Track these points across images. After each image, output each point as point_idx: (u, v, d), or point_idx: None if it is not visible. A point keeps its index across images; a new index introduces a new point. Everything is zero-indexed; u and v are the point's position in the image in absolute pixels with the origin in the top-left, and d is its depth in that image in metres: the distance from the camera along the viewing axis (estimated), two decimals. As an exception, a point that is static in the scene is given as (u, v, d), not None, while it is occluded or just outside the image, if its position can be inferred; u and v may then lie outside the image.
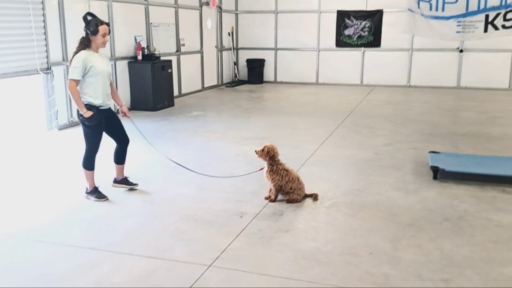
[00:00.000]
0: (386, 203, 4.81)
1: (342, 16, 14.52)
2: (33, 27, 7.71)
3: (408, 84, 14.30)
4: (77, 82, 4.62)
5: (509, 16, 12.96)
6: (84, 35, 4.77)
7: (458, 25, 13.43)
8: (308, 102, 11.85)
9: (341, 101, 11.63)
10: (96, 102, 4.74)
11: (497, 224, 4.28)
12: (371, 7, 14.24)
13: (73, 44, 8.51)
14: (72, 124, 8.62)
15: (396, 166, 6.08)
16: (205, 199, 4.92)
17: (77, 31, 8.68)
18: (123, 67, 10.09)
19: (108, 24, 4.81)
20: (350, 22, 14.49)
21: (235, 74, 15.51)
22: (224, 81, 15.07)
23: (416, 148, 6.99)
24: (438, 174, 5.52)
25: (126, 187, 5.25)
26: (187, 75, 12.73)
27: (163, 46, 11.36)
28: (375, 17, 14.25)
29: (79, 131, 8.30)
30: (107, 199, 4.94)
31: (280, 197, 4.84)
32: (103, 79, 4.77)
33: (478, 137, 7.68)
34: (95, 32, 4.68)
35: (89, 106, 4.70)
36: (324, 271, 3.46)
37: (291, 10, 14.98)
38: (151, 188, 5.32)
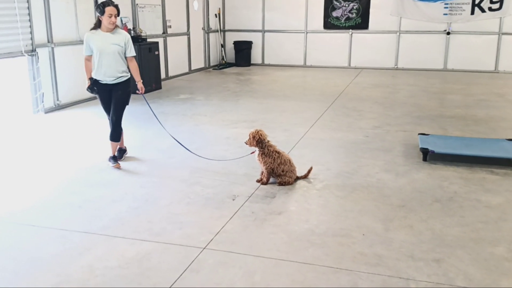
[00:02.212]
0: (377, 185, 4.85)
1: (330, -2, 14.44)
2: (17, 8, 7.52)
3: (395, 67, 14.33)
4: (86, 57, 5.29)
5: (495, -2, 13.04)
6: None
7: (445, 7, 13.49)
8: (296, 84, 11.82)
9: (329, 84, 11.63)
10: (96, 76, 5.29)
11: (486, 205, 4.34)
12: (359, -11, 14.18)
13: (58, 25, 8.41)
14: (58, 107, 8.49)
15: (385, 148, 6.12)
16: (197, 182, 4.90)
17: (62, 12, 8.54)
18: (109, 49, 9.92)
19: (116, 6, 5.14)
20: (338, 3, 14.41)
21: (222, 57, 15.38)
22: (211, 64, 14.95)
23: (405, 130, 7.04)
24: (427, 156, 5.57)
25: (110, 164, 5.48)
26: (174, 58, 12.59)
27: (149, 27, 11.20)
28: (363, -1, 14.19)
29: (65, 114, 8.23)
30: (116, 165, 5.37)
31: (272, 180, 4.85)
32: (105, 56, 5.19)
33: (465, 119, 7.75)
34: (102, 13, 5.07)
35: (93, 80, 5.30)
36: (318, 252, 3.48)
37: (279, -8, 14.84)
38: (142, 171, 5.28)
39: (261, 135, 4.75)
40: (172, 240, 3.66)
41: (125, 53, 5.31)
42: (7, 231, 3.87)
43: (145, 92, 10.41)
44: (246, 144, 4.85)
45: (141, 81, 5.54)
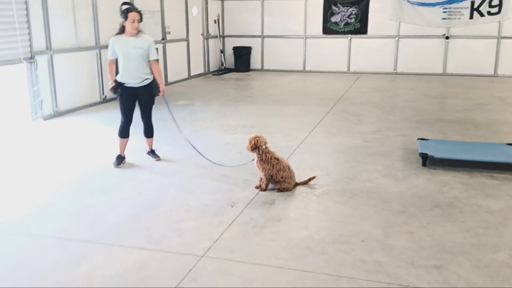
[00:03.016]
0: (377, 190, 4.82)
1: (329, 3, 14.46)
2: (16, 15, 7.53)
3: (395, 71, 14.34)
4: (110, 61, 5.48)
5: (494, 2, 13.07)
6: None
7: (444, 12, 13.51)
8: (296, 89, 11.82)
9: (329, 89, 11.62)
10: (122, 80, 5.47)
11: (487, 210, 4.32)
12: (357, -6, 14.22)
13: (57, 32, 8.41)
14: (57, 114, 8.48)
15: (385, 153, 6.10)
16: (196, 189, 4.88)
17: (60, 19, 8.54)
18: (108, 55, 9.92)
19: (139, 12, 5.34)
20: (337, 9, 14.43)
21: (222, 62, 15.39)
22: (211, 69, 14.96)
23: (405, 135, 7.02)
24: (427, 160, 5.55)
25: (152, 158, 5.85)
26: (173, 63, 12.59)
27: (148, 34, 11.16)
28: (362, 3, 14.21)
29: (64, 121, 8.21)
30: (116, 166, 5.54)
31: (271, 186, 4.83)
32: (130, 60, 5.41)
33: (465, 124, 7.74)
34: (125, 18, 5.29)
35: (117, 82, 5.48)
36: (317, 259, 3.46)
37: (278, -3, 14.88)
38: (141, 178, 5.26)
39: (257, 141, 4.72)
40: (171, 248, 3.64)
41: (148, 57, 5.52)
42: (6, 240, 3.85)
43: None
44: (248, 150, 4.83)
45: (164, 83, 5.77)
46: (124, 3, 5.46)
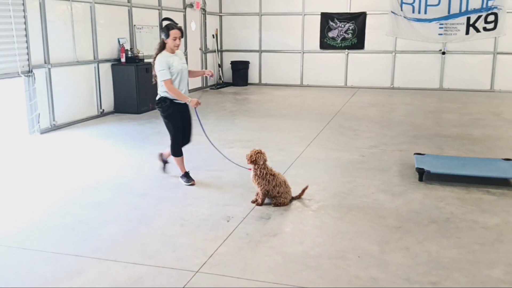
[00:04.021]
0: (373, 205, 4.81)
1: (326, 18, 14.58)
2: (14, 29, 7.56)
3: (391, 86, 14.40)
4: (170, 81, 5.15)
5: (490, 18, 13.19)
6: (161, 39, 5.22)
7: (440, 27, 13.63)
8: (293, 104, 11.86)
9: (326, 103, 11.66)
10: (170, 96, 5.22)
11: (483, 226, 4.31)
12: (354, 9, 14.32)
13: (55, 46, 8.44)
14: (54, 128, 8.48)
15: (382, 168, 6.09)
16: (191, 203, 4.86)
17: (59, 33, 8.59)
18: (106, 69, 9.96)
19: (180, 29, 5.17)
20: (334, 24, 14.54)
21: (220, 76, 15.45)
22: (209, 83, 15.00)
23: (401, 150, 7.03)
24: (423, 176, 5.55)
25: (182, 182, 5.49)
26: (171, 78, 12.61)
27: (147, 48, 11.24)
28: (358, 19, 14.33)
29: (61, 134, 8.20)
30: (194, 183, 5.39)
31: (267, 200, 4.81)
32: (180, 77, 5.24)
33: (461, 139, 7.75)
34: (167, 36, 5.11)
35: (163, 98, 5.25)
36: (313, 275, 3.43)
37: (276, 12, 14.98)
38: (136, 192, 5.24)
39: (257, 157, 4.72)
40: (165, 263, 3.61)
41: None
42: (-2, 254, 3.82)
43: (143, 112, 10.45)
44: (246, 159, 4.82)
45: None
46: (165, 19, 5.31)
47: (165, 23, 5.20)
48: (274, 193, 4.71)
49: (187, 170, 5.48)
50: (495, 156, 6.52)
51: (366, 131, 8.32)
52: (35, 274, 3.48)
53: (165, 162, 5.80)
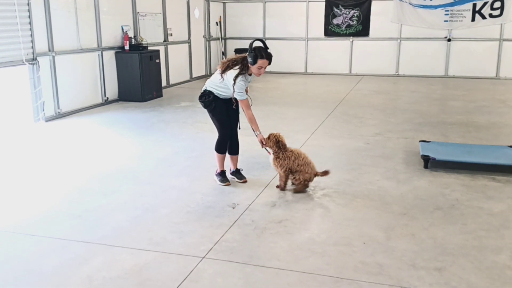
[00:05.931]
0: (378, 192, 4.82)
1: (331, 5, 14.47)
2: (18, 17, 7.54)
3: (396, 73, 14.33)
4: (247, 101, 4.85)
5: (496, 5, 13.05)
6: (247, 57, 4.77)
7: (446, 14, 13.50)
8: (297, 92, 11.82)
9: (330, 91, 11.62)
10: (215, 91, 4.90)
11: (488, 212, 4.31)
12: (359, -4, 14.22)
13: (59, 34, 8.43)
14: (59, 116, 8.49)
15: (387, 155, 6.09)
16: (197, 191, 4.88)
17: (62, 20, 8.56)
18: (110, 57, 9.95)
19: (269, 59, 4.75)
20: (338, 11, 14.44)
21: (224, 64, 15.38)
22: (213, 71, 14.92)
23: (406, 137, 7.01)
24: (429, 163, 5.54)
25: (235, 180, 5.16)
26: (175, 65, 12.60)
27: (150, 35, 11.23)
28: (363, 6, 14.22)
29: (66, 122, 8.22)
30: (229, 184, 5.03)
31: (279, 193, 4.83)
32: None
33: (467, 126, 7.73)
34: (253, 63, 4.70)
35: (207, 92, 4.91)
36: (319, 261, 3.45)
37: (279, -1, 14.89)
38: (142, 180, 5.26)
39: (283, 139, 4.84)
40: (171, 250, 3.63)
41: None
42: (6, 241, 3.85)
43: (147, 100, 10.47)
44: (262, 142, 4.85)
45: None
46: (257, 40, 4.84)
47: (256, 44, 4.75)
48: (294, 167, 4.74)
49: (224, 169, 5.11)
50: (501, 143, 6.50)
51: (371, 119, 8.30)
52: (43, 260, 3.51)
53: (237, 171, 5.23)
